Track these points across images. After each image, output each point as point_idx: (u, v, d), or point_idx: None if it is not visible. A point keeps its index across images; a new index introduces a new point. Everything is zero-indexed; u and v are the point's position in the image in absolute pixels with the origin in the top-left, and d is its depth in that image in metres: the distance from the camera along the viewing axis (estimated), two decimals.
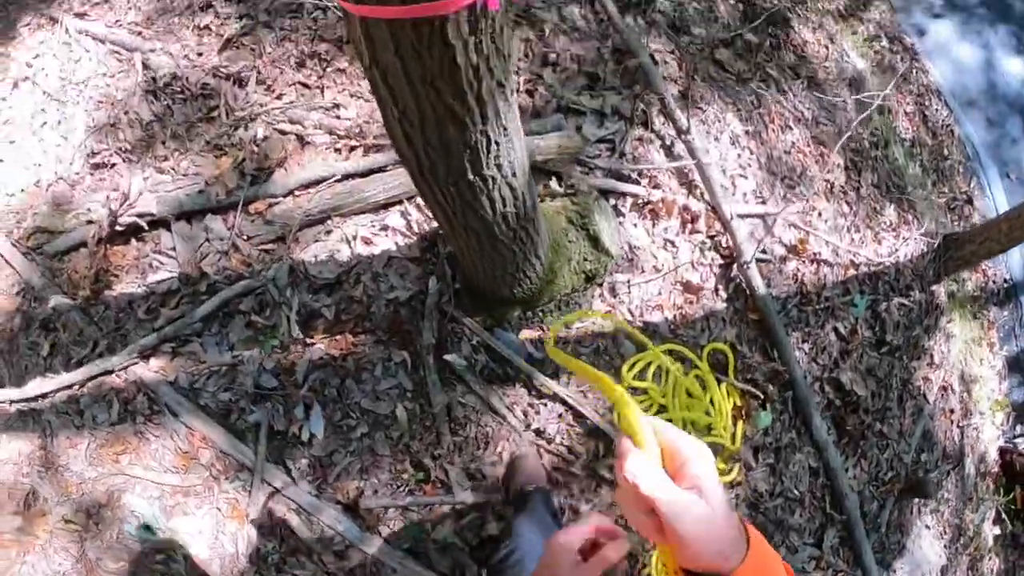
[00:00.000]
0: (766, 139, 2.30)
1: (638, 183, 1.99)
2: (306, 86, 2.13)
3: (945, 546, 2.73)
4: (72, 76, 2.42)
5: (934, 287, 2.71)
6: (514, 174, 1.24)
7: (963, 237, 2.71)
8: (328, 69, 2.13)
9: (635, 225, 1.98)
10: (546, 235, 1.63)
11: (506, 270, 1.58)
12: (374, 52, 0.88)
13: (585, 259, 1.81)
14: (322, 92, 2.10)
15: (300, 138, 2.02)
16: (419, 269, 1.87)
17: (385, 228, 1.87)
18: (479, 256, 1.54)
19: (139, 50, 2.36)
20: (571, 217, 1.77)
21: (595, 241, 1.78)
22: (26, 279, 2.01)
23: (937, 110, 3.25)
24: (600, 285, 1.94)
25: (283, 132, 2.04)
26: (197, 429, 1.86)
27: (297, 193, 1.93)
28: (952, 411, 2.81)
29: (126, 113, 2.26)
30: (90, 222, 2.05)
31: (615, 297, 1.95)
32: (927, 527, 2.64)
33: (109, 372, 1.87)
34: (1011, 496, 3.08)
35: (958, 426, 2.85)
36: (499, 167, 1.18)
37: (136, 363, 1.88)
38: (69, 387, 1.86)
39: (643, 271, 1.97)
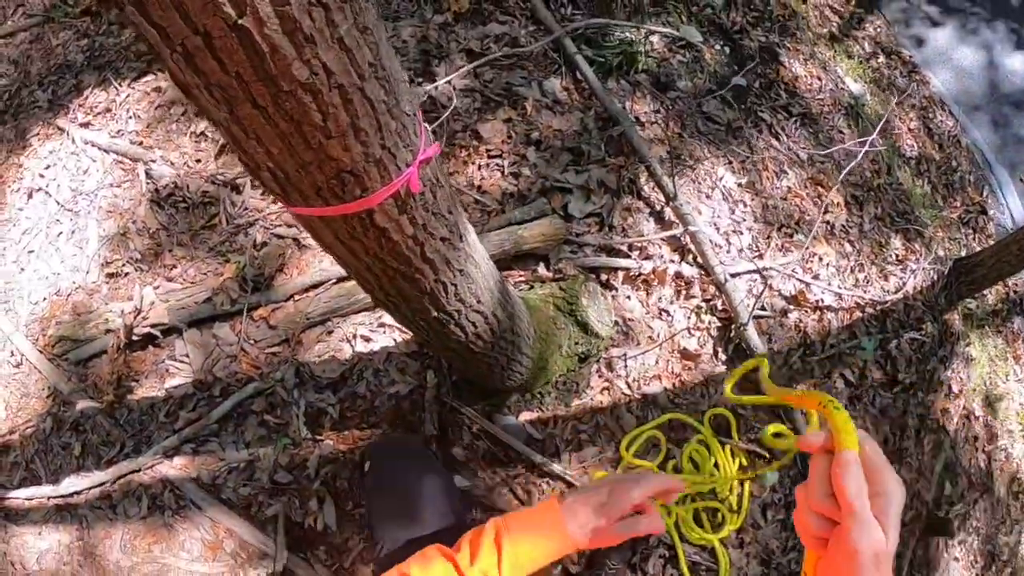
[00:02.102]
0: (760, 188, 2.27)
1: (629, 256, 1.99)
2: None
3: (978, 575, 2.67)
4: (81, 186, 2.60)
5: (947, 315, 2.64)
6: (479, 301, 1.27)
7: (974, 260, 2.63)
8: None
9: (628, 298, 1.99)
10: (530, 331, 1.65)
11: (492, 373, 1.62)
12: (316, 235, 0.94)
13: (576, 343, 1.83)
14: None
15: (296, 241, 2.09)
16: (417, 363, 1.92)
17: (383, 326, 1.92)
18: (463, 364, 1.58)
19: (141, 160, 2.51)
20: (558, 304, 1.79)
21: (584, 326, 1.80)
22: (54, 384, 2.17)
23: (942, 121, 3.16)
24: (597, 362, 1.96)
25: (280, 236, 2.12)
26: (221, 521, 1.97)
27: (297, 298, 2.00)
28: (976, 438, 2.74)
29: (134, 223, 2.42)
30: (109, 331, 2.19)
31: (612, 372, 1.96)
32: (956, 559, 2.59)
33: (136, 471, 2.02)
34: None
35: (983, 451, 2.78)
36: (462, 301, 1.21)
37: (161, 462, 2.02)
38: (101, 484, 2.00)
39: (639, 343, 1.98)
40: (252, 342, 2.08)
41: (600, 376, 1.96)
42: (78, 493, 2.00)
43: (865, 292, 2.35)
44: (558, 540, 0.76)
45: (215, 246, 2.27)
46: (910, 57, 3.23)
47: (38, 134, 2.75)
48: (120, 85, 2.77)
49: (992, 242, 3.09)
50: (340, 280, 1.94)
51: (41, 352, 2.24)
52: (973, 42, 3.45)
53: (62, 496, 2.00)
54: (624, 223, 2.03)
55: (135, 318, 2.11)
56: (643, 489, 0.76)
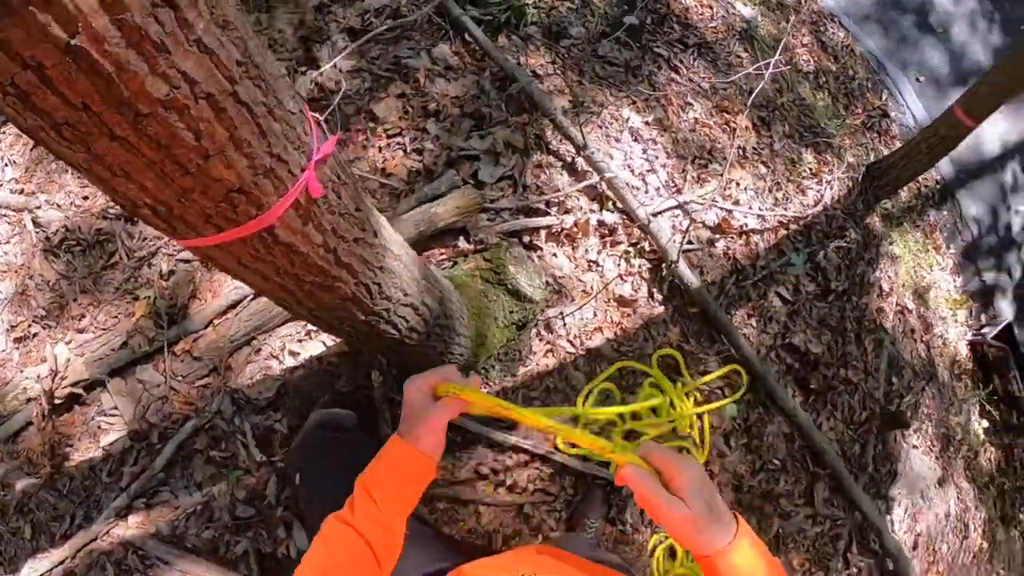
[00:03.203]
0: (668, 124, 2.26)
1: (548, 213, 1.95)
2: None
3: (936, 457, 2.81)
4: None
5: (867, 219, 2.73)
6: (406, 294, 1.21)
7: (886, 163, 2.72)
8: None
9: (555, 255, 1.95)
10: (463, 310, 1.60)
11: (432, 360, 1.56)
12: (221, 264, 0.85)
13: (511, 312, 1.79)
14: None
15: (204, 264, 1.96)
16: (351, 363, 1.84)
17: (309, 333, 1.83)
18: (401, 358, 1.52)
19: (26, 208, 2.33)
20: (486, 277, 1.74)
21: (516, 293, 1.76)
22: None
23: (834, 33, 3.23)
24: (535, 326, 1.93)
25: (186, 261, 2.00)
26: (191, 571, 1.87)
27: (216, 322, 1.89)
28: (913, 330, 2.87)
29: (31, 278, 2.26)
30: (30, 399, 2.06)
31: (552, 333, 1.93)
32: (914, 447, 2.71)
33: (94, 539, 1.90)
34: (990, 387, 3.18)
35: (922, 342, 2.91)
36: (388, 299, 1.15)
37: (116, 524, 1.92)
38: (61, 562, 1.86)
39: (573, 299, 1.95)
40: (180, 379, 1.96)
41: (541, 340, 1.93)
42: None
43: (786, 210, 2.39)
44: (419, 466, 0.82)
45: (120, 285, 2.12)
46: None
47: None
48: None
49: (897, 143, 3.20)
50: (257, 295, 1.83)
51: None
52: None
53: None
54: (538, 181, 1.98)
55: (54, 380, 1.97)
56: (429, 378, 0.84)
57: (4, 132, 2.53)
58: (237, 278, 0.93)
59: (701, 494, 0.67)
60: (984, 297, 3.45)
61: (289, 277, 0.88)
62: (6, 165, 2.47)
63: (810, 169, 2.56)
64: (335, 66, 2.05)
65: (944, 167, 3.40)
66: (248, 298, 1.87)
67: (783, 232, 2.37)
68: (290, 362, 1.87)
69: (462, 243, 1.84)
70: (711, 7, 2.69)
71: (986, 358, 3.23)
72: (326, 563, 0.76)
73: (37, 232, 2.27)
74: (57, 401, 1.94)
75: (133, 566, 1.82)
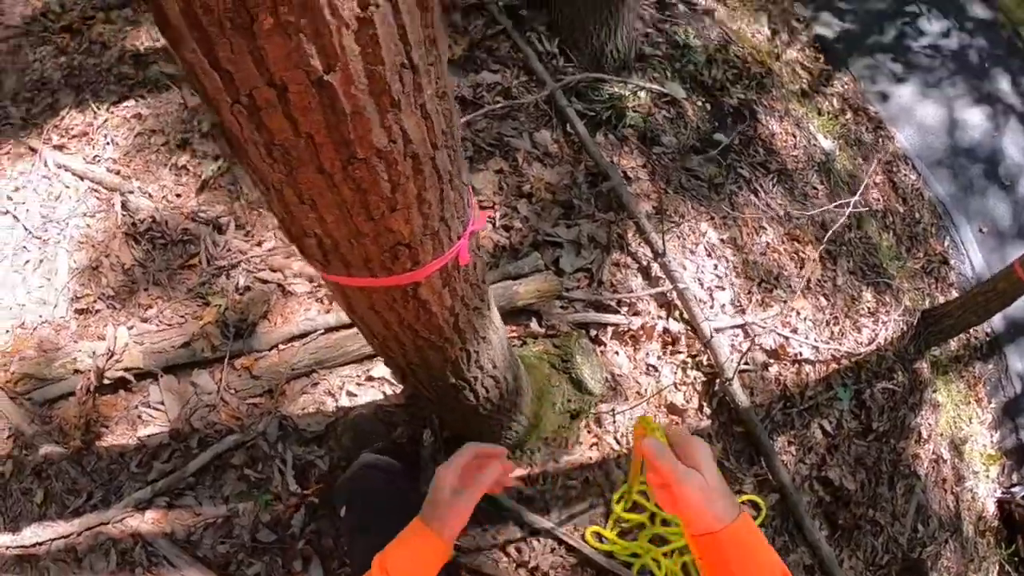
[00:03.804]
0: (741, 244, 2.34)
1: (618, 311, 2.02)
2: None
3: None
4: (52, 213, 2.44)
5: (916, 364, 2.75)
6: (495, 366, 1.27)
7: (941, 311, 2.76)
8: None
9: (617, 353, 2.01)
10: (530, 391, 1.66)
11: (492, 433, 1.61)
12: (348, 304, 0.91)
13: (569, 400, 1.84)
14: None
15: (282, 287, 2.05)
16: (406, 416, 1.89)
17: (371, 379, 1.89)
18: (463, 425, 1.56)
19: (118, 190, 2.39)
20: (553, 362, 1.80)
21: (578, 384, 1.81)
22: (15, 425, 2.02)
23: (905, 175, 3.32)
24: (586, 417, 1.97)
25: (264, 281, 2.07)
26: None
27: (281, 347, 1.95)
28: (945, 480, 2.84)
29: (107, 256, 2.28)
30: (77, 371, 2.07)
31: (600, 427, 1.97)
32: None
33: (105, 523, 1.89)
34: (1013, 548, 3.10)
35: (952, 493, 2.87)
36: (481, 368, 1.21)
37: (131, 515, 1.90)
38: (66, 536, 1.86)
39: (627, 398, 2.00)
40: (233, 391, 2.00)
41: (589, 432, 1.96)
42: (40, 544, 1.86)
43: (840, 345, 2.43)
44: (439, 554, 0.85)
45: (194, 287, 2.19)
46: (875, 113, 3.40)
47: (8, 152, 2.59)
48: (98, 108, 2.66)
49: (953, 291, 3.24)
50: (328, 331, 1.91)
51: (2, 389, 2.08)
52: (935, 97, 3.66)
53: (22, 546, 1.85)
54: (613, 278, 2.06)
55: (107, 361, 2.00)
56: (461, 459, 0.89)
57: (112, 112, 2.66)
58: (357, 319, 0.97)
59: (715, 474, 0.72)
60: (1019, 455, 3.40)
61: (409, 331, 0.93)
62: (108, 144, 2.56)
63: (868, 308, 2.61)
64: None
65: (996, 320, 3.42)
66: (318, 332, 1.95)
67: (834, 366, 2.40)
68: (345, 402, 1.92)
69: (534, 325, 1.91)
70: (794, 135, 2.81)
71: (1013, 518, 3.17)
72: None
73: (124, 215, 2.34)
74: (106, 381, 1.96)
75: (137, 559, 1.83)
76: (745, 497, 2.09)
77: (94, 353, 2.06)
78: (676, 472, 0.71)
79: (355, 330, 1.90)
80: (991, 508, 3.19)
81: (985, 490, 3.17)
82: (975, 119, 3.68)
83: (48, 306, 2.24)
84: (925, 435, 2.75)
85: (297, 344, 1.96)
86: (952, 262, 3.33)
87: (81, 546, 1.86)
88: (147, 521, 1.88)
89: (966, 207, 3.53)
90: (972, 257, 3.42)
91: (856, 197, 2.25)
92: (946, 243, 3.36)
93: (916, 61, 3.76)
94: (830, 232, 2.26)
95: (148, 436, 1.97)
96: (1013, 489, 3.25)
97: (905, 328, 2.72)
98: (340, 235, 0.67)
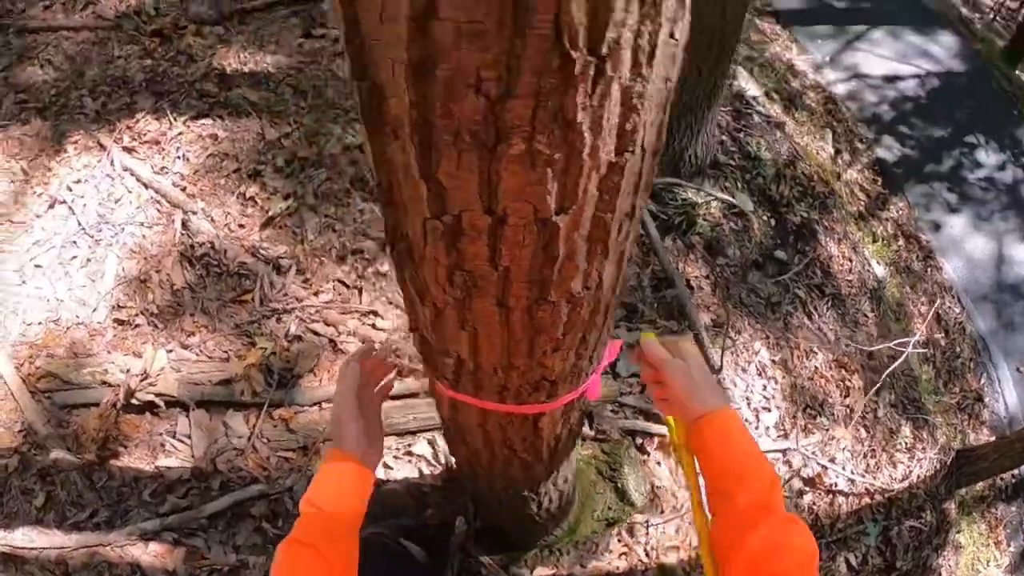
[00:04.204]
0: (791, 367, 2.33)
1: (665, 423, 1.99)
2: (344, 284, 2.16)
3: None
4: (110, 214, 2.41)
5: (945, 504, 2.70)
6: (566, 480, 1.25)
7: (976, 454, 2.73)
8: (368, 270, 2.17)
9: (659, 464, 1.98)
10: (577, 503, 1.63)
11: (531, 535, 1.58)
12: (457, 414, 0.88)
13: (609, 508, 1.81)
14: (360, 294, 2.13)
15: (333, 343, 2.03)
16: (440, 496, 1.85)
17: (410, 454, 1.86)
18: (512, 527, 1.53)
19: (181, 207, 2.37)
20: (600, 469, 1.78)
21: (622, 494, 1.79)
22: (30, 421, 1.95)
23: (950, 307, 3.32)
24: (620, 525, 1.93)
25: (316, 333, 2.06)
26: None
27: (324, 406, 1.93)
28: None
29: (157, 272, 2.25)
30: (105, 383, 2.02)
31: (632, 537, 1.93)
32: None
33: (104, 545, 1.83)
34: None
35: None
36: (555, 483, 1.19)
37: (135, 543, 1.83)
38: (60, 548, 1.78)
39: (662, 511, 1.97)
40: (265, 440, 1.96)
41: (620, 541, 1.93)
42: (31, 548, 1.79)
43: (875, 479, 2.40)
44: (363, 477, 0.82)
45: (242, 324, 2.16)
46: (927, 242, 3.43)
47: (76, 143, 2.56)
48: (175, 119, 2.66)
49: (985, 429, 3.21)
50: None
51: (23, 380, 1.99)
52: (985, 231, 3.68)
53: (12, 546, 1.78)
54: None
55: (140, 381, 1.97)
56: (350, 382, 0.85)
57: (188, 127, 2.67)
58: (454, 426, 0.93)
59: (702, 367, 0.78)
60: None
61: (507, 449, 0.90)
62: (179, 158, 2.55)
63: (906, 443, 2.58)
64: None
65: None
66: None
67: (867, 500, 2.36)
68: (380, 474, 1.89)
69: (585, 427, 1.88)
70: (851, 260, 2.82)
71: None
72: None
73: (182, 234, 2.32)
74: (134, 401, 1.90)
75: None
76: None
77: (128, 370, 2.02)
78: (664, 362, 0.78)
79: (403, 402, 1.88)
80: None
81: None
82: (1022, 256, 3.70)
83: (87, 308, 2.19)
84: None
85: None
86: (987, 399, 3.30)
87: (74, 562, 1.78)
88: (150, 553, 1.80)
89: (1005, 345, 3.51)
90: (1007, 396, 3.40)
91: (916, 337, 2.24)
92: (982, 380, 3.34)
93: (970, 192, 3.80)
94: (887, 371, 2.24)
95: (168, 468, 1.91)
96: None
97: (939, 467, 2.68)
98: (488, 364, 0.65)
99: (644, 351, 0.81)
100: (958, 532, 2.85)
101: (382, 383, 0.91)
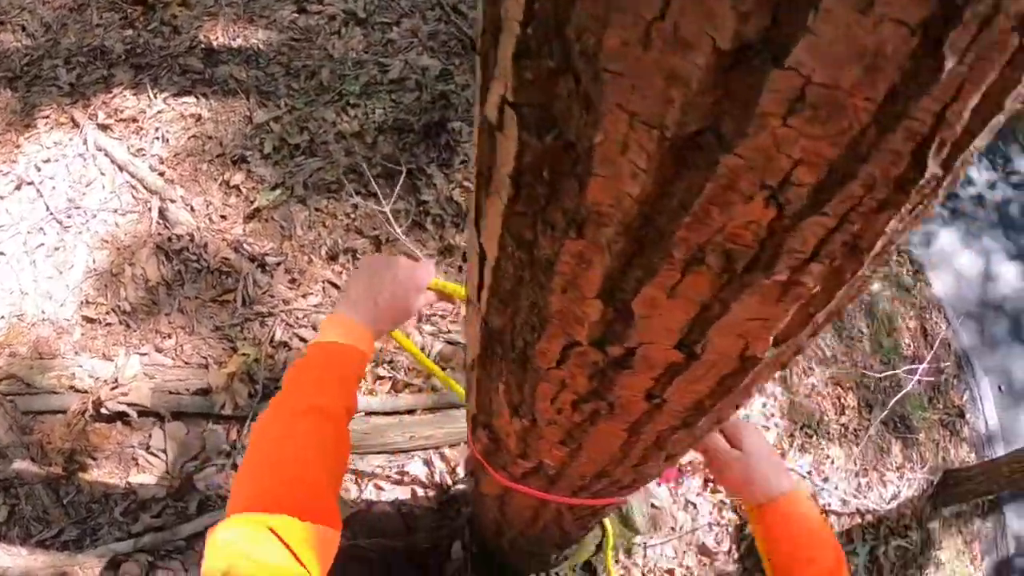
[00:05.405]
0: (791, 384, 2.30)
1: None
2: (335, 286, 2.04)
3: None
4: (81, 198, 2.26)
5: (931, 523, 2.72)
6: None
7: (964, 475, 2.74)
8: None
9: (658, 485, 1.92)
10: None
11: (531, 564, 1.51)
12: (503, 500, 0.85)
13: (614, 535, 1.74)
14: None
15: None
16: (433, 521, 1.77)
17: (403, 474, 1.77)
18: (513, 559, 1.46)
19: (159, 195, 2.22)
20: None
21: (625, 519, 1.72)
22: None
23: (936, 323, 3.34)
24: (618, 550, 1.87)
25: (304, 340, 1.94)
26: None
27: None
28: None
29: (131, 265, 2.11)
30: (73, 387, 1.89)
31: (630, 559, 1.89)
32: None
33: (72, 566, 1.72)
34: None
35: None
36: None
37: (105, 567, 1.73)
38: (26, 569, 1.67)
39: (661, 531, 1.91)
40: None
41: (617, 562, 1.87)
42: None
43: (866, 498, 2.39)
44: (365, 359, 0.70)
45: (223, 327, 2.02)
46: (917, 256, 3.43)
47: (47, 117, 2.39)
48: (155, 96, 2.50)
49: (965, 445, 3.24)
50: (370, 414, 1.79)
51: None
52: (975, 247, 3.71)
53: None
54: None
55: (111, 389, 1.85)
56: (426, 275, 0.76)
57: (169, 104, 2.50)
58: (498, 507, 0.89)
59: (762, 451, 0.75)
60: None
61: (555, 527, 0.88)
62: (158, 138, 2.39)
63: (895, 463, 2.58)
64: None
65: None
66: (359, 414, 1.82)
67: (857, 520, 2.36)
68: (370, 494, 1.79)
69: None
70: None
71: None
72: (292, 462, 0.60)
73: (159, 224, 2.18)
74: (103, 410, 1.79)
75: None
76: None
77: (97, 377, 1.90)
78: (719, 452, 0.75)
79: (399, 419, 1.78)
80: None
81: None
82: (1009, 274, 3.74)
83: (54, 302, 2.05)
84: None
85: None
86: (967, 416, 3.33)
87: None
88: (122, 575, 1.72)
89: (987, 364, 3.56)
90: (987, 414, 3.44)
91: (924, 365, 2.22)
92: (964, 397, 3.37)
93: (962, 208, 3.82)
94: (894, 400, 2.23)
95: (141, 484, 1.80)
96: None
97: (926, 486, 2.69)
98: (576, 473, 0.60)
99: (704, 447, 0.78)
100: (939, 550, 2.88)
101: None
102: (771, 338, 0.34)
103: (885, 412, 2.51)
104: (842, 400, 2.42)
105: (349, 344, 0.67)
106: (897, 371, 2.36)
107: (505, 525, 0.99)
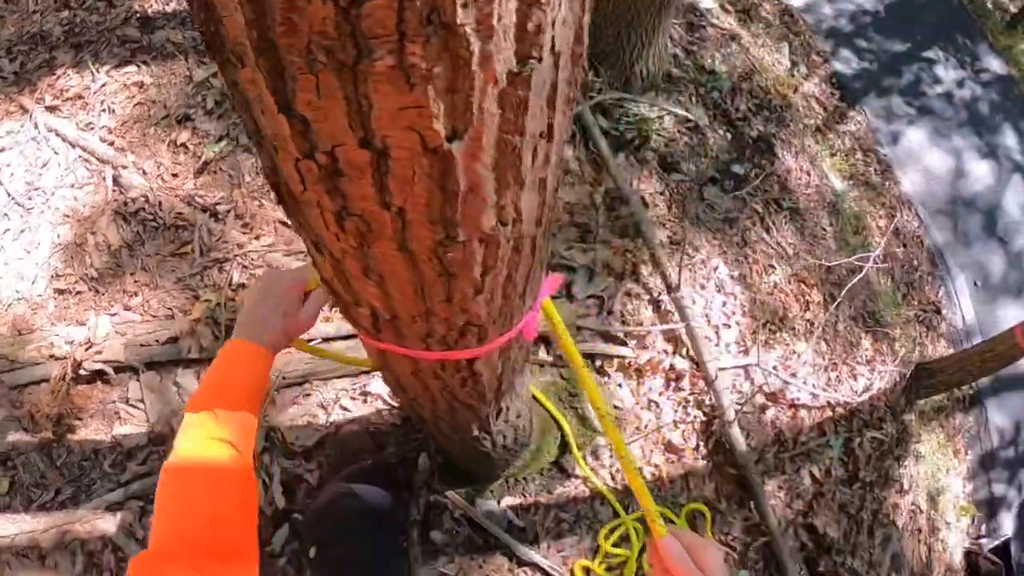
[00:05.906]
0: (751, 282, 2.31)
1: (625, 344, 1.97)
2: (286, 225, 2.07)
3: None
4: (38, 180, 2.32)
5: (905, 415, 2.77)
6: (518, 416, 1.22)
7: (936, 367, 2.77)
8: None
9: (620, 386, 1.97)
10: (537, 431, 1.60)
11: (492, 468, 1.56)
12: (388, 365, 0.83)
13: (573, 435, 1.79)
14: None
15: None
16: (399, 435, 1.82)
17: (366, 394, 1.82)
18: (471, 462, 1.51)
19: (111, 163, 2.26)
20: (560, 396, 1.75)
21: (583, 420, 1.77)
22: None
23: (908, 221, 3.34)
24: (583, 451, 1.92)
25: None
26: None
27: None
28: (920, 530, 2.87)
29: (93, 234, 2.17)
30: (53, 356, 1.96)
31: (597, 460, 1.93)
32: None
33: (73, 522, 1.81)
34: None
35: (925, 544, 2.91)
36: (507, 421, 1.16)
37: (102, 517, 1.82)
38: (31, 531, 1.76)
39: (625, 432, 1.96)
40: None
41: (586, 463, 1.92)
42: (3, 537, 1.78)
43: (836, 391, 2.42)
44: (257, 359, 0.78)
45: (184, 277, 2.08)
46: (884, 156, 3.41)
47: None
48: (97, 70, 2.51)
49: (942, 341, 3.28)
50: (327, 340, 1.82)
51: None
52: (943, 145, 3.68)
53: None
54: (624, 309, 2.01)
55: (86, 351, 1.91)
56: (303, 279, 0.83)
57: (112, 76, 2.51)
58: (391, 376, 0.88)
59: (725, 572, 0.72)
60: (990, 508, 3.47)
61: (447, 394, 0.86)
62: (104, 110, 2.42)
63: (865, 356, 2.61)
64: None
65: None
66: (315, 341, 1.86)
67: (828, 413, 2.39)
68: (338, 416, 1.84)
69: (542, 353, 1.85)
70: (809, 173, 2.79)
71: (978, 570, 3.22)
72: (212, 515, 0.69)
73: (115, 191, 2.22)
74: (82, 372, 1.87)
75: (105, 564, 1.74)
76: (692, 506, 2.05)
77: (73, 342, 1.96)
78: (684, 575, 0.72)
79: (356, 342, 1.82)
80: (959, 559, 3.25)
81: (955, 540, 3.22)
82: (980, 171, 3.72)
83: (26, 281, 2.12)
84: (906, 486, 2.77)
85: (293, 350, 1.88)
86: (944, 312, 3.36)
87: (46, 543, 1.76)
88: (118, 523, 1.79)
89: (962, 259, 3.56)
90: (964, 309, 3.46)
91: (877, 252, 2.23)
92: (940, 293, 3.39)
93: (929, 106, 3.78)
94: (846, 288, 2.24)
95: (124, 435, 1.88)
96: (981, 541, 3.31)
97: (898, 379, 2.73)
98: (406, 312, 0.58)
99: (663, 553, 0.72)
100: (917, 443, 2.94)
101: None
102: (439, 126, 0.34)
103: (844, 302, 2.53)
104: (806, 296, 2.44)
105: (245, 370, 0.75)
106: (851, 259, 2.37)
107: (420, 408, 0.99)
